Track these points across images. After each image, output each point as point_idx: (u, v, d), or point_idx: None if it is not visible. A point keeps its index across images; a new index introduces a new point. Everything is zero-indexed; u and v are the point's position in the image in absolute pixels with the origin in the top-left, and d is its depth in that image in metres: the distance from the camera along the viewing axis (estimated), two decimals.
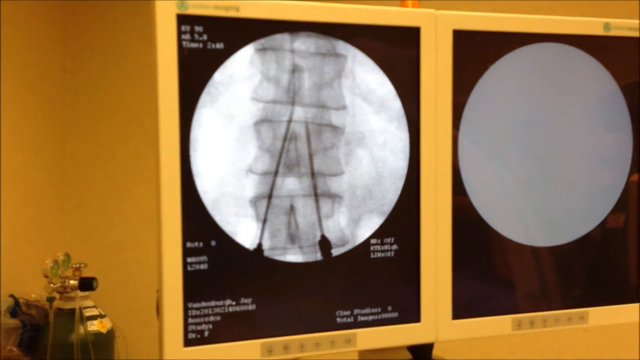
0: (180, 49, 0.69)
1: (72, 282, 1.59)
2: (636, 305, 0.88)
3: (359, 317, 0.77)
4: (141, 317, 1.90)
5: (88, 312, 1.62)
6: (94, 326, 1.63)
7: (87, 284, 1.58)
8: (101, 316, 1.65)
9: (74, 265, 1.62)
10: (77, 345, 1.58)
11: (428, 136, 0.78)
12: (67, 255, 1.61)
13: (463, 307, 0.81)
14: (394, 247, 0.78)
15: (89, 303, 1.64)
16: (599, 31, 0.85)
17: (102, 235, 2.01)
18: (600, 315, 0.87)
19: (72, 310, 1.59)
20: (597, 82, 0.85)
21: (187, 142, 0.70)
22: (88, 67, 2.02)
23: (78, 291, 1.59)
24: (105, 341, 1.65)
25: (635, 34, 0.86)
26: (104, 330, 1.64)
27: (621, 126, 0.87)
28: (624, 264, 0.88)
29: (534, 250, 0.84)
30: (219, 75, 0.71)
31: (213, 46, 0.70)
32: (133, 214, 1.97)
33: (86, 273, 1.62)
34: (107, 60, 2.01)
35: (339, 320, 0.76)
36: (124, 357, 1.77)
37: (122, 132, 2.00)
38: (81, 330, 1.60)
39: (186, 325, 0.70)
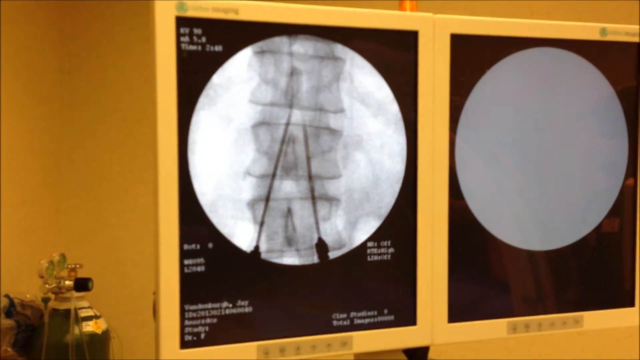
0: (179, 51, 0.69)
1: (67, 282, 1.58)
2: (631, 309, 0.89)
3: (355, 320, 0.77)
4: (137, 318, 1.90)
5: (83, 313, 1.62)
6: (89, 327, 1.62)
7: (82, 285, 1.58)
8: (96, 317, 1.65)
9: (69, 266, 1.61)
10: (72, 346, 1.57)
11: (425, 140, 0.78)
12: (63, 256, 1.61)
13: (459, 311, 0.81)
14: (391, 250, 0.78)
15: (85, 304, 1.63)
16: (595, 36, 0.85)
17: (98, 235, 2.00)
18: (595, 319, 0.87)
19: (67, 311, 1.59)
20: (593, 87, 0.86)
21: (185, 144, 0.70)
22: (85, 67, 2.02)
23: (73, 292, 1.59)
24: (100, 342, 1.65)
25: (631, 39, 0.87)
26: (99, 331, 1.63)
27: (617, 131, 0.87)
28: (619, 268, 0.88)
29: (530, 254, 0.84)
30: (217, 78, 0.71)
31: (212, 48, 0.70)
32: (129, 215, 1.97)
33: (82, 274, 1.62)
34: (104, 60, 2.01)
35: (335, 323, 0.76)
36: (120, 358, 1.76)
37: (119, 133, 2.00)
38: (76, 331, 1.59)
39: (183, 327, 0.70)
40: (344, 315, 0.77)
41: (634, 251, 0.88)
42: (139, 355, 1.86)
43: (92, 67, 2.01)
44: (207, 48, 0.70)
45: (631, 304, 0.89)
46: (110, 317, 1.71)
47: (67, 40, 2.00)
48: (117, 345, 1.72)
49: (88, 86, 2.00)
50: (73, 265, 1.61)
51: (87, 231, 2.00)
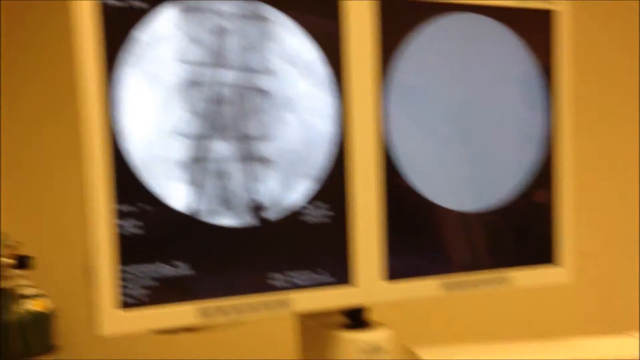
0: (100, 6, 0.68)
1: (7, 260, 1.55)
2: (557, 268, 0.93)
3: (293, 280, 0.79)
4: (82, 297, 1.88)
5: (25, 292, 1.59)
6: (33, 306, 1.60)
7: (23, 263, 1.55)
8: (39, 296, 1.62)
9: (8, 244, 1.58)
10: (15, 326, 1.55)
11: (355, 102, 0.80)
12: (2, 234, 1.57)
13: (395, 271, 0.84)
14: (327, 212, 0.80)
15: (27, 282, 1.61)
16: (512, 2, 0.87)
17: (40, 212, 1.96)
18: (525, 278, 0.91)
19: (8, 290, 1.56)
20: (515, 55, 0.89)
21: (110, 102, 0.69)
22: (22, 44, 1.96)
23: (14, 270, 1.56)
24: (43, 321, 1.63)
25: (549, 6, 0.90)
26: (42, 310, 1.61)
27: (539, 101, 0.90)
28: (546, 229, 0.92)
29: (462, 216, 0.88)
30: (142, 35, 0.71)
31: (136, 5, 0.70)
32: (72, 190, 1.93)
33: (24, 252, 1.59)
34: (40, 36, 1.95)
35: (273, 283, 0.78)
36: (64, 336, 1.74)
37: (57, 108, 1.95)
38: (18, 309, 1.57)
39: (119, 289, 0.71)
40: (283, 276, 0.78)
41: (559, 213, 0.92)
42: (84, 334, 1.84)
43: (27, 44, 1.95)
44: (130, 4, 0.70)
45: (558, 263, 0.93)
46: (55, 296, 1.69)
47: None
48: (61, 324, 1.70)
49: (24, 63, 1.95)
50: (13, 243, 1.58)
51: (28, 208, 1.95)
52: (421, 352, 0.87)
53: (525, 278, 0.92)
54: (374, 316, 0.87)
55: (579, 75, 1.62)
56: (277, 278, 0.78)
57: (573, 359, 0.88)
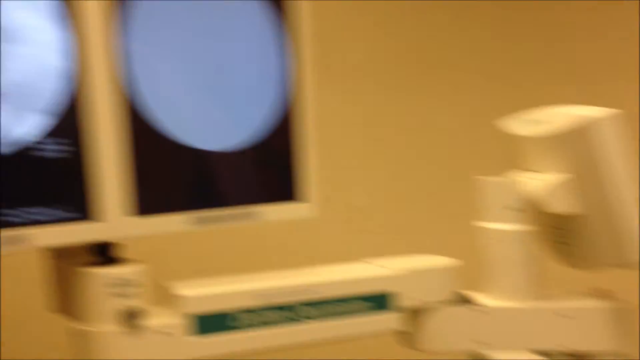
0: None
1: None
2: (301, 203, 1.01)
3: (31, 216, 0.78)
4: None
5: None
6: None
7: None
8: None
9: None
10: None
11: (89, 36, 0.80)
12: None
13: (144, 206, 0.86)
14: (67, 147, 0.79)
15: None
16: None
17: None
18: (272, 212, 0.98)
19: None
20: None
21: None
22: None
23: None
24: None
25: None
26: None
27: (279, 46, 0.97)
28: (290, 168, 1.00)
29: (211, 155, 0.91)
30: None
31: None
32: None
33: None
34: None
35: (8, 219, 0.76)
36: None
37: None
38: None
39: None
40: (19, 212, 0.77)
41: (303, 153, 1.00)
42: None
43: None
44: None
45: (303, 199, 1.01)
46: None
47: None
48: None
49: None
50: None
51: None
52: (174, 286, 0.91)
53: (273, 213, 0.98)
54: (131, 255, 0.88)
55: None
56: (13, 214, 0.77)
57: (316, 282, 0.97)
